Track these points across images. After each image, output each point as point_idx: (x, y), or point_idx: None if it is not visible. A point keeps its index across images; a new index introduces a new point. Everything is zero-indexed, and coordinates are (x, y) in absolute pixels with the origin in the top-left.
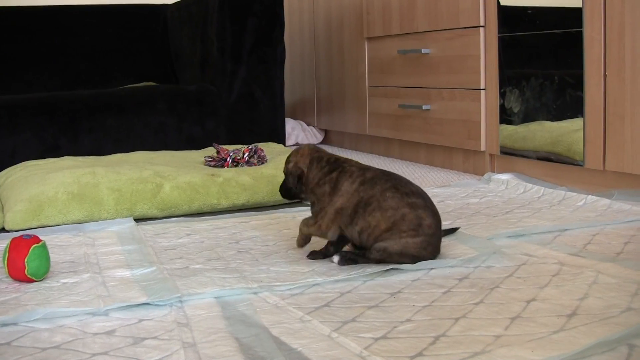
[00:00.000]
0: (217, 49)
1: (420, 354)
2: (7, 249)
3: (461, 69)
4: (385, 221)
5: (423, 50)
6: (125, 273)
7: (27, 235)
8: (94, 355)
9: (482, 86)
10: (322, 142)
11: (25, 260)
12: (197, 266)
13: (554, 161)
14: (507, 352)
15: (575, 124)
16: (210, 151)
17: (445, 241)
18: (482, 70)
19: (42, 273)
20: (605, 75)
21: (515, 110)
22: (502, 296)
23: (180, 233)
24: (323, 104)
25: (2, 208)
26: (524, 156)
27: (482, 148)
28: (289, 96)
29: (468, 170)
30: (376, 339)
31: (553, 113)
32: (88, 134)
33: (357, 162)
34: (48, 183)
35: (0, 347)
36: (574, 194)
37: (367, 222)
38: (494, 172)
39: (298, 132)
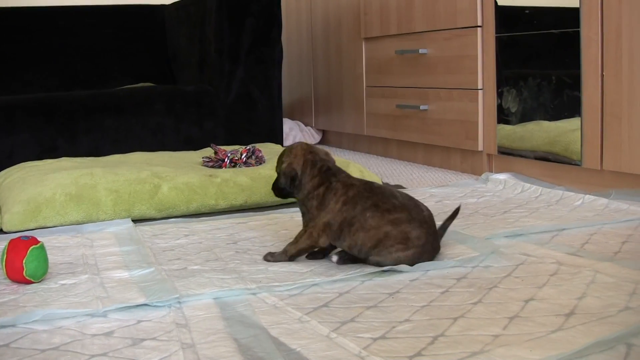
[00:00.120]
0: (214, 49)
1: (419, 354)
2: (5, 251)
3: (459, 69)
4: (369, 240)
5: (421, 51)
6: (124, 274)
7: (25, 236)
8: (92, 356)
9: (480, 86)
10: (320, 143)
11: (24, 261)
12: (196, 267)
13: (551, 161)
14: (506, 351)
15: (572, 123)
16: (208, 152)
17: (443, 241)
18: (479, 71)
19: (41, 274)
20: (602, 75)
21: (513, 110)
22: (500, 296)
23: (179, 234)
24: (321, 105)
25: (0, 209)
26: (521, 156)
27: (480, 148)
28: (286, 96)
29: (466, 170)
30: (375, 339)
31: (550, 113)
32: (86, 134)
33: (344, 176)
34: (46, 184)
35: None
36: (572, 193)
37: (353, 241)
38: (492, 172)
39: (296, 133)
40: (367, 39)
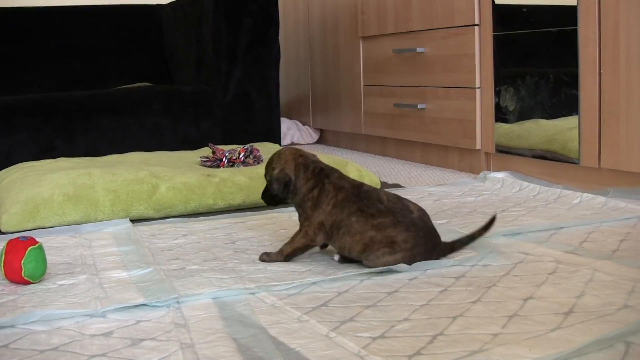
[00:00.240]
0: (212, 49)
1: (418, 353)
2: (4, 251)
3: (456, 68)
4: (356, 245)
5: (418, 49)
6: (122, 274)
7: (24, 237)
8: (92, 357)
9: (478, 85)
10: (318, 142)
11: (22, 262)
12: (194, 267)
13: (549, 159)
14: (505, 350)
15: (570, 122)
16: (206, 151)
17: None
18: (477, 69)
19: (39, 275)
20: (600, 74)
21: (511, 108)
22: (499, 294)
23: (177, 234)
24: (318, 104)
25: None
26: (519, 154)
27: (478, 146)
28: (284, 96)
29: (464, 169)
30: (374, 338)
31: (548, 111)
32: (83, 134)
33: (336, 177)
34: (44, 184)
35: None
36: (570, 192)
37: (342, 244)
38: (490, 170)
39: (294, 132)
40: (364, 38)
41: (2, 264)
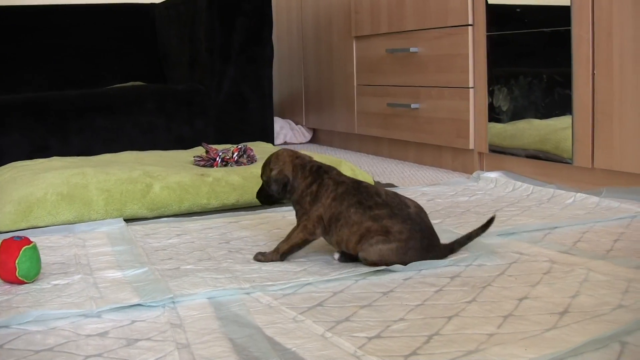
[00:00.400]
0: (205, 48)
1: (414, 353)
2: None
3: (450, 68)
4: (353, 235)
5: (412, 49)
6: (117, 274)
7: (18, 236)
8: (87, 357)
9: (471, 85)
10: (311, 141)
11: (16, 262)
12: (189, 267)
13: (542, 159)
14: (501, 350)
15: (563, 122)
16: (200, 151)
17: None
18: (470, 69)
19: (33, 275)
20: (593, 74)
21: (504, 108)
22: (494, 294)
23: (171, 233)
24: (311, 103)
25: None
26: (512, 154)
27: (471, 146)
28: (277, 95)
29: (457, 169)
30: (370, 338)
31: (541, 111)
32: (77, 134)
33: (335, 174)
34: (37, 184)
35: None
36: (563, 191)
37: (339, 237)
38: (483, 170)
39: (286, 131)
40: (357, 38)
41: None
